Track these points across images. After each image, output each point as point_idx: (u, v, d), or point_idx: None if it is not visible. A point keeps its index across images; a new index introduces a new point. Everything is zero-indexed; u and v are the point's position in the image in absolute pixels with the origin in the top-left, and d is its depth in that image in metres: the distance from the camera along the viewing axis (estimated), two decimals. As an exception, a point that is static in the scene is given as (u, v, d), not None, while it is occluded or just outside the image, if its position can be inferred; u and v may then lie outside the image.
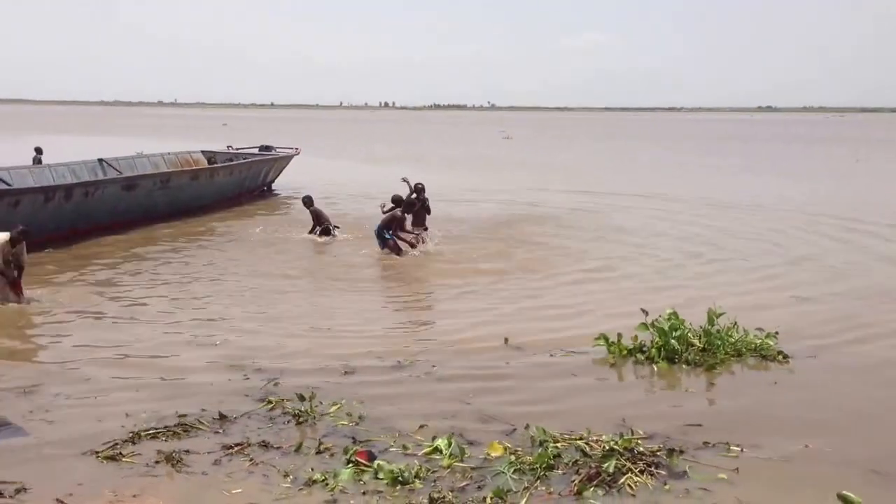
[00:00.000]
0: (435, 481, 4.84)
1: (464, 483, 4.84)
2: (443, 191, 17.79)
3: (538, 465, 5.00)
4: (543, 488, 4.79)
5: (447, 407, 6.08)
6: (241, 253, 12.56)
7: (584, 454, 5.17)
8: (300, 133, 59.25)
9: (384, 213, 12.46)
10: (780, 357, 7.32)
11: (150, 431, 5.46)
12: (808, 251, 13.06)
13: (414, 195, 12.89)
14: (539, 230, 14.85)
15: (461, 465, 5.05)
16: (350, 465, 5.01)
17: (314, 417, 5.77)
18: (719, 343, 7.38)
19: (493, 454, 5.22)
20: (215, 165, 19.22)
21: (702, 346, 7.35)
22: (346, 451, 5.16)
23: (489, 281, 10.60)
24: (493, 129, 78.58)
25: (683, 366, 7.10)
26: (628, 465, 5.00)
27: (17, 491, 4.67)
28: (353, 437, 5.44)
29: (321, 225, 14.03)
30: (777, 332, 7.63)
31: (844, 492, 4.50)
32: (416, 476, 4.86)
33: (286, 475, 4.90)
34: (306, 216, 14.45)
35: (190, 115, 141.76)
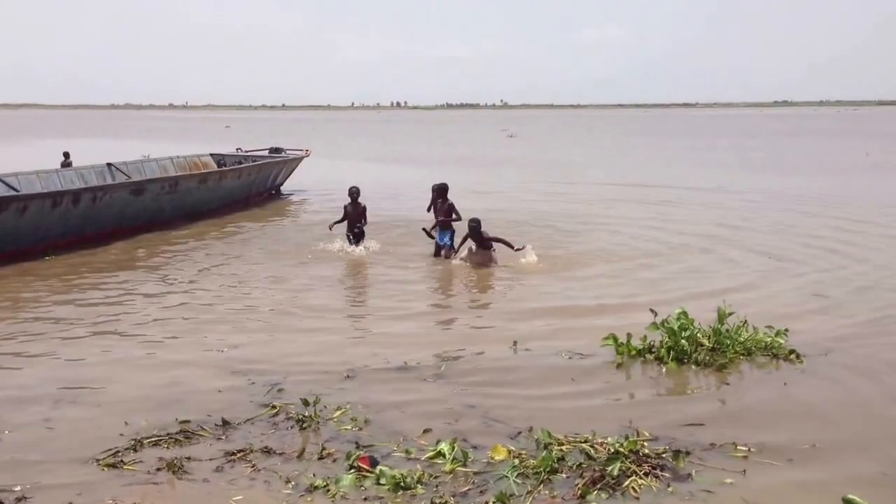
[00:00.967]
0: (437, 486, 4.79)
1: (466, 488, 4.78)
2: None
3: (542, 469, 4.93)
4: (547, 492, 4.73)
5: (452, 410, 6.02)
6: (250, 257, 12.54)
7: (589, 457, 5.10)
8: (302, 134, 59.39)
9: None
10: (793, 356, 7.22)
11: (152, 438, 5.43)
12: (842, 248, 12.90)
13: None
14: (538, 232, 14.73)
15: (464, 469, 5.00)
16: (352, 470, 4.96)
17: (318, 422, 5.73)
18: (728, 342, 7.30)
19: (497, 458, 5.16)
20: (224, 168, 19.23)
21: (711, 345, 7.28)
22: (348, 457, 5.12)
23: (501, 280, 10.54)
24: (499, 128, 79.00)
25: (693, 366, 7.02)
26: (633, 467, 4.93)
27: (18, 500, 4.65)
28: (357, 443, 5.39)
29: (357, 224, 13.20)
30: (787, 330, 7.54)
31: (850, 495, 4.41)
32: (419, 481, 4.81)
33: (288, 481, 4.87)
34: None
35: (196, 117, 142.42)
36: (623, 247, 13.07)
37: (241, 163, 20.03)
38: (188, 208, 16.31)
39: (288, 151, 22.76)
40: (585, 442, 5.29)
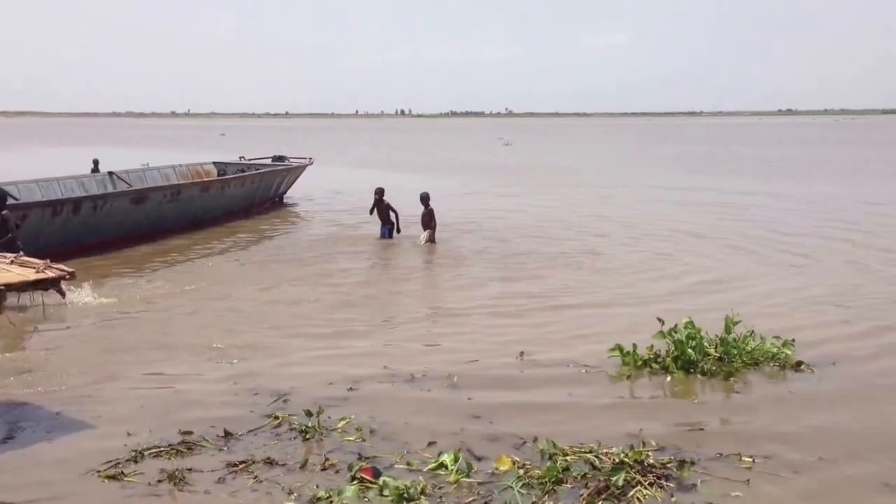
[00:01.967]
0: (441, 497, 4.75)
1: (470, 498, 4.74)
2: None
3: (547, 479, 4.89)
4: (551, 503, 4.69)
5: (458, 421, 5.97)
6: (255, 266, 12.52)
7: (594, 467, 5.06)
8: (300, 143, 59.46)
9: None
10: (801, 367, 7.17)
11: (153, 450, 5.39)
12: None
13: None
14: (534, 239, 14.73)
15: (468, 480, 4.96)
16: (355, 481, 4.92)
17: (321, 433, 5.69)
18: (735, 352, 7.26)
19: (501, 468, 5.12)
20: (226, 177, 19.21)
21: (718, 354, 7.24)
22: (350, 468, 5.08)
23: (504, 293, 10.52)
24: (495, 136, 79.75)
25: (699, 376, 6.98)
26: (638, 477, 4.89)
27: (17, 512, 4.63)
28: (360, 454, 5.35)
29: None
30: (794, 340, 7.50)
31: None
32: (422, 492, 4.76)
33: (290, 493, 4.82)
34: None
35: (195, 125, 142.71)
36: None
37: (243, 171, 20.02)
38: (190, 217, 16.29)
39: (291, 160, 22.75)
40: (590, 452, 5.25)
